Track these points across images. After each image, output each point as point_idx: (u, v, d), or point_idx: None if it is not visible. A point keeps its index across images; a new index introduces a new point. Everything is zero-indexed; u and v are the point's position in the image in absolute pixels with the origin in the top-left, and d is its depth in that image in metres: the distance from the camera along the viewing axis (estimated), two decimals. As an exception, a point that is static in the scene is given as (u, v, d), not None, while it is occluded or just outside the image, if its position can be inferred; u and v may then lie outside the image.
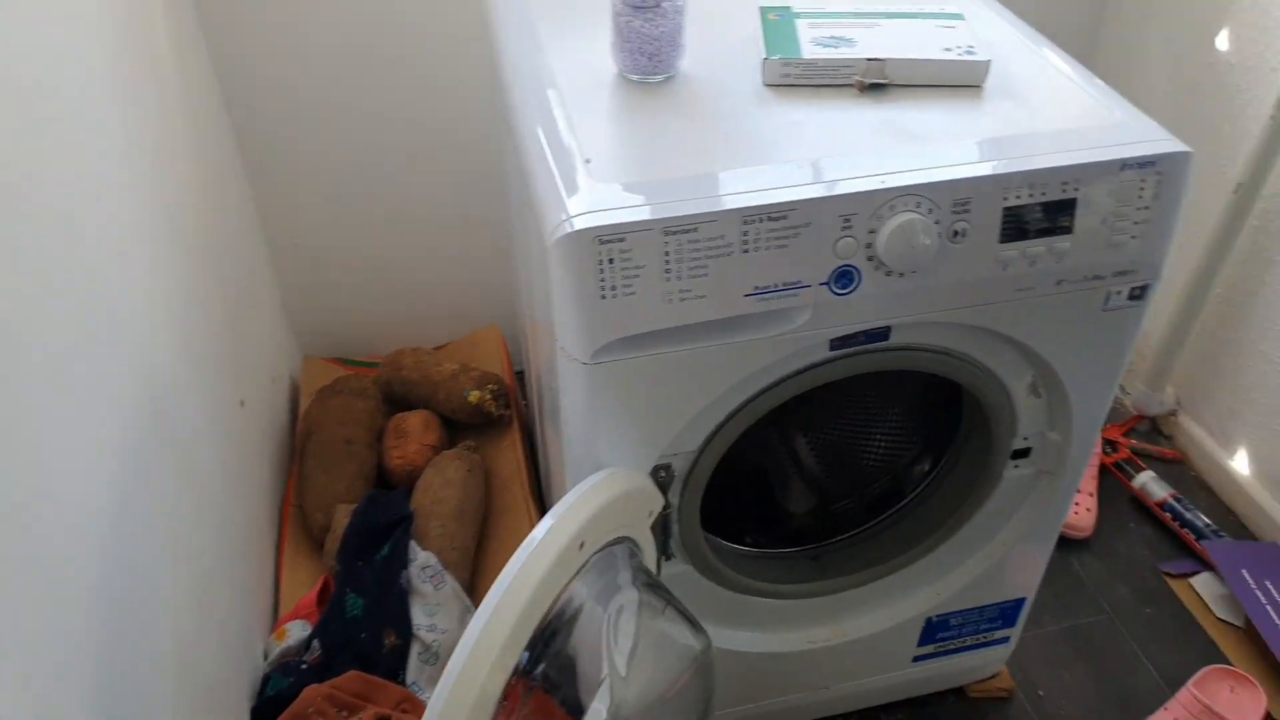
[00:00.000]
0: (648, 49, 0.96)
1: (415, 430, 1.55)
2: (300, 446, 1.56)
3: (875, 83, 0.97)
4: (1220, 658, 1.49)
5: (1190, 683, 1.39)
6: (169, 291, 1.15)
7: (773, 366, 0.95)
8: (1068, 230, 0.91)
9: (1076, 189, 0.89)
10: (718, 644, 1.20)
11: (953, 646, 1.35)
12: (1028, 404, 1.08)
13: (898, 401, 1.28)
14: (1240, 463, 1.70)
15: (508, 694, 0.79)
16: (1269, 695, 1.40)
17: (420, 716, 0.92)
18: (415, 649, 1.29)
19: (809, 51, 0.97)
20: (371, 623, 1.29)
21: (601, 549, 0.90)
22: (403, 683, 1.25)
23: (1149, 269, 0.97)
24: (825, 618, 1.27)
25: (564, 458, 1.02)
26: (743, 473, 1.36)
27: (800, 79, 0.98)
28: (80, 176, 0.94)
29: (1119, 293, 0.98)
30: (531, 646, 0.81)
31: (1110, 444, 1.82)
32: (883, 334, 0.95)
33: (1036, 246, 0.91)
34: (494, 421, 1.60)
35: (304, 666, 1.25)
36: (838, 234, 0.86)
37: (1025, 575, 1.29)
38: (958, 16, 1.04)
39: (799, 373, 0.97)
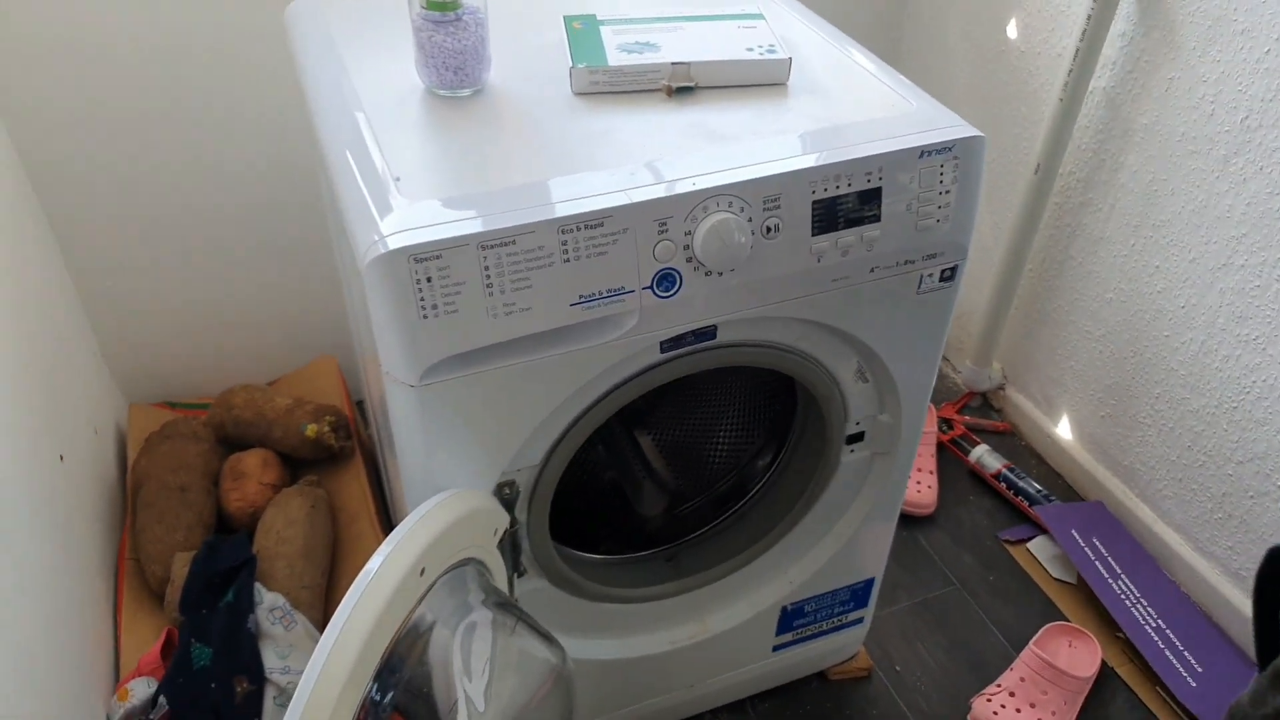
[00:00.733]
0: (452, 63, 0.95)
1: (253, 470, 1.49)
2: (132, 497, 1.48)
3: (682, 86, 0.99)
4: (1059, 615, 1.57)
5: (1032, 642, 1.46)
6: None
7: (607, 373, 0.95)
8: (876, 219, 0.94)
9: (880, 178, 0.93)
10: (581, 655, 1.20)
11: (810, 632, 1.38)
12: (856, 389, 1.11)
13: (736, 397, 1.31)
14: (1064, 429, 1.80)
15: (357, 728, 0.77)
16: (1103, 645, 1.48)
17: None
18: (270, 694, 1.24)
19: (615, 59, 0.98)
20: (221, 672, 1.23)
21: (445, 572, 0.88)
22: (257, 732, 1.20)
23: (956, 250, 1.01)
24: (685, 617, 1.28)
25: (403, 483, 0.99)
26: (592, 481, 1.36)
27: (608, 86, 0.98)
28: None
29: (930, 275, 1.02)
30: (379, 676, 0.79)
31: (946, 422, 1.90)
32: (710, 333, 0.97)
33: (848, 236, 0.94)
34: (335, 455, 1.55)
35: (149, 727, 1.19)
36: (655, 238, 0.87)
37: (872, 556, 1.33)
38: (758, 16, 1.07)
39: (634, 377, 0.97)
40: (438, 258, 0.81)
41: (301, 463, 1.56)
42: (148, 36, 1.42)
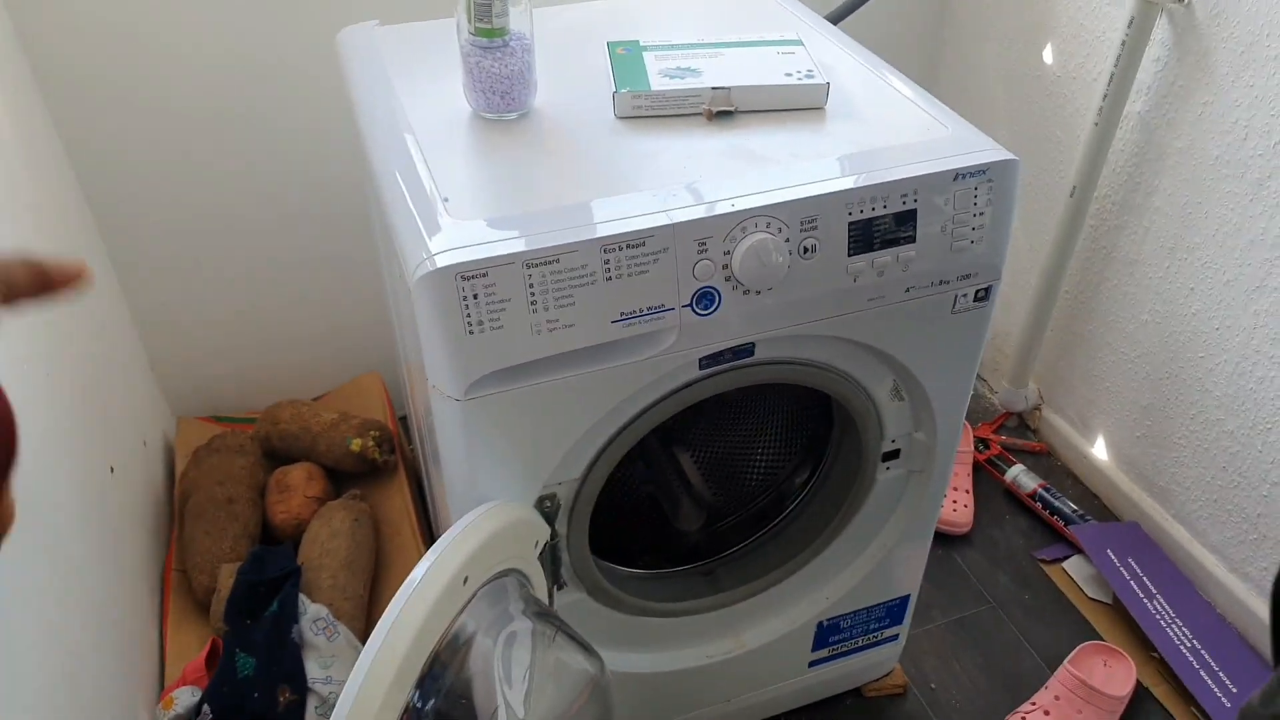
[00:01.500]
0: (499, 87, 0.98)
1: (298, 483, 1.52)
2: (179, 509, 1.52)
3: (722, 110, 1.01)
4: (1094, 634, 1.57)
5: (1067, 661, 1.46)
6: (27, 361, 1.11)
7: (646, 389, 0.97)
8: (911, 239, 0.96)
9: (916, 200, 0.94)
10: (618, 667, 1.22)
11: (846, 649, 1.39)
12: (892, 407, 1.13)
13: (774, 414, 1.32)
14: (1100, 450, 1.80)
15: (401, 734, 0.79)
16: (1138, 665, 1.48)
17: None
18: (312, 703, 1.26)
19: (657, 83, 1.01)
20: (265, 681, 1.26)
21: (487, 582, 0.90)
22: (300, 740, 1.23)
23: (990, 271, 1.03)
24: (722, 631, 1.29)
25: (446, 495, 1.02)
26: (631, 495, 1.38)
27: (650, 110, 1.01)
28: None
29: (965, 295, 1.03)
30: (421, 684, 0.81)
31: (982, 442, 1.90)
32: (748, 350, 0.99)
33: (883, 257, 0.96)
34: (379, 469, 1.58)
35: (195, 733, 1.22)
36: (695, 257, 0.89)
37: (907, 573, 1.34)
38: (797, 43, 1.09)
39: (673, 393, 0.99)
40: (484, 275, 0.83)
41: (346, 476, 1.59)
42: (208, 52, 1.46)
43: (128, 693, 1.23)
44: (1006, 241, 1.02)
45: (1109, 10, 1.54)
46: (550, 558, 1.05)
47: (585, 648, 1.01)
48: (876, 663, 1.46)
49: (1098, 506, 1.80)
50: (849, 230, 0.93)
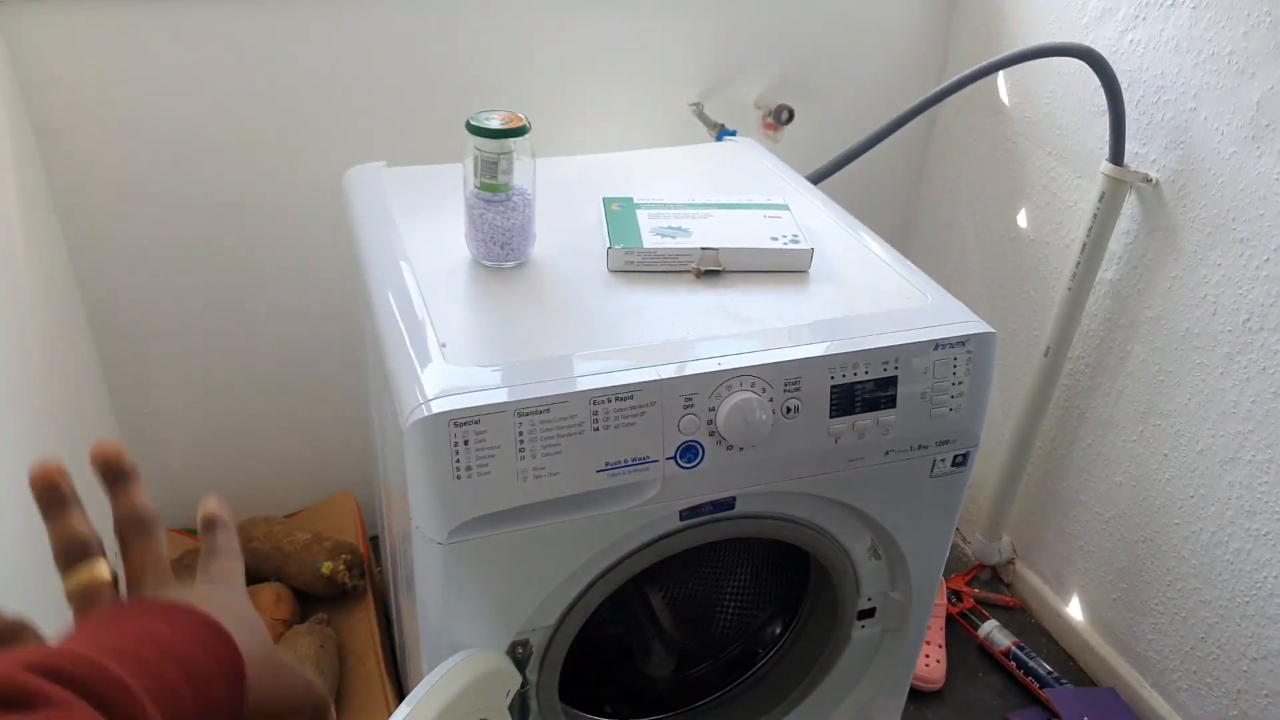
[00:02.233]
0: (500, 238, 1.01)
1: (266, 605, 1.50)
2: (142, 628, 1.49)
3: (710, 269, 1.05)
4: (1068, 803, 1.54)
5: (1040, 831, 1.43)
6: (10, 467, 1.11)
7: (626, 538, 0.98)
8: (891, 404, 0.99)
9: (897, 366, 0.97)
10: (580, 821, 1.18)
11: (815, 808, 1.36)
12: (869, 566, 1.14)
13: (749, 562, 1.33)
14: (1075, 609, 1.80)
15: None
16: (1113, 839, 1.45)
17: None
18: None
19: (649, 241, 1.05)
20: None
21: (457, 732, 0.89)
22: None
23: (968, 437, 1.05)
24: (688, 786, 1.27)
25: (419, 636, 1.01)
26: (601, 637, 1.36)
27: (642, 266, 1.05)
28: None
29: (943, 460, 1.06)
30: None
31: (955, 594, 1.90)
32: (729, 503, 1.00)
33: (864, 420, 0.98)
34: (348, 592, 1.57)
35: None
36: (681, 412, 0.91)
37: (879, 731, 1.33)
38: (783, 207, 1.14)
39: (652, 543, 1.00)
40: (476, 422, 0.85)
41: (313, 598, 1.57)
42: (213, 184, 1.51)
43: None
44: (985, 409, 1.04)
45: (1080, 183, 1.61)
46: (520, 706, 1.04)
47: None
48: (846, 823, 1.42)
49: (1074, 668, 1.78)
50: (831, 393, 0.96)
